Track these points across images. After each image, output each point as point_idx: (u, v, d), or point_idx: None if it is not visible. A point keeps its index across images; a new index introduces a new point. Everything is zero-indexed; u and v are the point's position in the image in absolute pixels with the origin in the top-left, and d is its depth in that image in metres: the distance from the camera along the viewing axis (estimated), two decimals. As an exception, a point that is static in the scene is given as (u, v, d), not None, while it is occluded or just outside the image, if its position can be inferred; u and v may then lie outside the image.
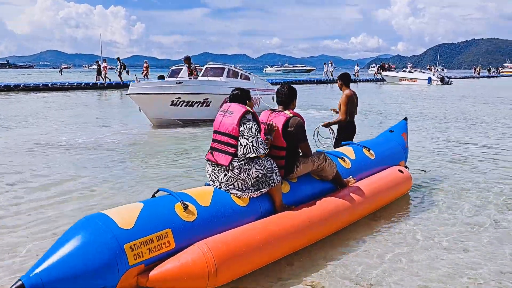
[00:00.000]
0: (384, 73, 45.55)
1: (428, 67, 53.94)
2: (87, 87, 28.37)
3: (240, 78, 14.02)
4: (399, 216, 4.68)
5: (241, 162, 3.52)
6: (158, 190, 3.48)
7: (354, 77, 42.85)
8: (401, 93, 27.28)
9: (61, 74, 56.22)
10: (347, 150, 5.00)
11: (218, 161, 3.62)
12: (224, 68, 13.53)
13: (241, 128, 3.51)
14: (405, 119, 6.21)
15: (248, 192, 3.57)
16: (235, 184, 3.57)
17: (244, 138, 3.49)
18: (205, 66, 13.94)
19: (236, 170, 3.53)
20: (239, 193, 3.55)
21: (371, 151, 5.11)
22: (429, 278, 3.31)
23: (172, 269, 2.81)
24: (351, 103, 5.70)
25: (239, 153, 3.51)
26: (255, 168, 3.56)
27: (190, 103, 11.84)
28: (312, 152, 4.12)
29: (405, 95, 25.90)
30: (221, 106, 3.95)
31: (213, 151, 3.69)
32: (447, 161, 7.34)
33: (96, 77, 29.92)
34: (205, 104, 12.14)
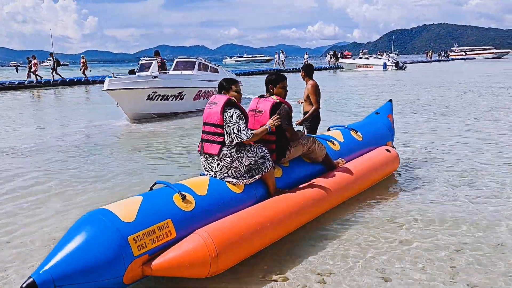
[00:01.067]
0: (342, 60, 47.02)
1: (378, 53, 55.18)
2: (38, 85, 26.96)
3: (210, 71, 14.37)
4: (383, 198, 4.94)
5: (232, 151, 3.64)
6: (155, 183, 3.56)
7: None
8: (360, 80, 27.74)
9: (17, 72, 53.27)
10: (335, 133, 5.16)
11: (208, 151, 3.74)
12: (194, 62, 13.94)
13: (224, 117, 3.63)
14: (390, 100, 6.41)
15: (242, 179, 3.69)
16: (229, 172, 3.68)
17: (228, 125, 3.62)
18: (175, 60, 14.34)
19: (228, 159, 3.64)
20: (234, 180, 3.67)
21: (358, 133, 5.29)
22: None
23: (174, 257, 2.91)
24: (319, 92, 5.88)
25: (227, 141, 3.63)
26: (248, 156, 3.68)
27: (165, 97, 12.10)
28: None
29: (364, 81, 26.34)
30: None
31: (203, 142, 3.81)
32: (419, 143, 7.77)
33: (28, 74, 27.62)
34: (179, 97, 12.46)
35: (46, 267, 2.54)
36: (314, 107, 5.79)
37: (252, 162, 3.72)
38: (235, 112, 3.64)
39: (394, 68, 40.69)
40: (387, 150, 5.33)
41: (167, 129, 10.40)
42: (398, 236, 3.82)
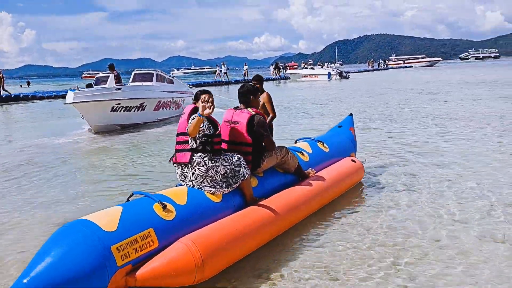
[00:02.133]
0: (289, 71, 48.30)
1: (318, 64, 56.35)
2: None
3: (166, 82, 14.87)
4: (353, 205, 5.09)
5: (206, 159, 3.64)
6: (132, 194, 3.49)
7: (244, 77, 43.74)
8: (307, 90, 28.44)
9: None
10: (303, 145, 5.28)
11: (181, 160, 3.73)
12: (152, 74, 14.51)
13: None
14: (351, 114, 6.65)
15: (220, 189, 3.69)
16: (205, 181, 3.67)
17: None
18: (133, 73, 14.78)
19: (202, 168, 3.64)
20: (212, 189, 3.67)
21: (325, 144, 5.44)
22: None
23: (160, 267, 2.86)
24: (272, 101, 6.01)
25: (190, 143, 3.66)
26: (223, 165, 3.70)
27: (128, 108, 12.36)
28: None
29: (310, 91, 26.99)
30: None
31: (176, 153, 3.82)
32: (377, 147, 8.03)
33: None
34: (141, 108, 12.79)
35: (26, 280, 2.41)
36: (271, 115, 5.91)
37: (228, 171, 3.74)
38: (193, 117, 3.62)
39: (338, 77, 42.07)
40: (353, 161, 5.53)
41: (117, 144, 10.13)
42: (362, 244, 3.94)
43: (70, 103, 11.37)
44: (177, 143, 3.80)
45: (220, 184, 3.71)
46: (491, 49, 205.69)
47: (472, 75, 36.87)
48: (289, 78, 45.19)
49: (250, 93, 4.24)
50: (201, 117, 3.45)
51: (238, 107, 4.26)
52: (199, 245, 3.01)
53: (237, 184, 3.79)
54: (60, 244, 2.64)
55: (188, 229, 3.25)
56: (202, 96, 3.81)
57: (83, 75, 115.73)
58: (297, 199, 4.10)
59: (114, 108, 11.93)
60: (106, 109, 11.75)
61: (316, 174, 4.76)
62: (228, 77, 42.26)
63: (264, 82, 6.23)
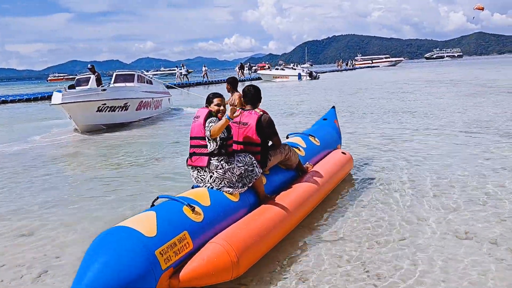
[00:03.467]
0: (260, 71, 49.20)
1: (283, 63, 56.38)
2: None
3: (146, 82, 15.38)
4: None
5: (222, 162, 3.80)
6: (157, 198, 3.59)
7: (204, 78, 43.78)
8: (279, 89, 29.02)
9: None
10: (297, 140, 5.51)
11: (198, 163, 3.87)
12: (134, 75, 14.98)
13: (206, 128, 3.78)
14: (333, 107, 6.96)
15: (237, 189, 3.86)
16: (223, 182, 3.83)
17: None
18: (114, 74, 15.23)
19: (220, 171, 3.80)
20: (230, 189, 3.83)
21: (316, 138, 5.70)
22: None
23: (200, 267, 3.02)
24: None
25: (209, 148, 3.78)
26: (238, 166, 3.87)
27: (112, 108, 12.67)
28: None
29: (282, 91, 27.59)
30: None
31: (191, 156, 3.94)
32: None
33: None
34: (124, 108, 13.12)
35: (82, 286, 2.51)
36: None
37: (243, 171, 3.91)
38: (212, 121, 3.79)
39: (308, 78, 42.75)
40: (343, 153, 5.84)
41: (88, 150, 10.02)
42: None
43: (59, 103, 11.56)
44: (192, 146, 3.91)
45: (236, 184, 3.88)
46: (455, 48, 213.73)
47: (437, 74, 38.61)
48: (259, 79, 45.50)
49: (257, 95, 4.44)
50: (230, 120, 3.59)
51: (244, 108, 4.39)
52: (233, 244, 3.19)
53: (251, 183, 3.98)
54: (107, 251, 2.73)
55: (215, 229, 3.42)
56: (215, 100, 3.96)
57: (49, 78, 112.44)
58: (305, 194, 4.37)
59: (100, 108, 12.26)
60: (92, 109, 12.09)
61: (314, 169, 5.02)
62: (188, 79, 41.90)
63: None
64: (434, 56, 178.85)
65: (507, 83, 22.13)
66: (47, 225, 4.89)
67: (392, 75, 41.57)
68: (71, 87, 13.44)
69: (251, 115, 4.26)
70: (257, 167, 4.02)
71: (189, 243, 3.15)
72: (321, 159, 5.53)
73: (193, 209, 3.35)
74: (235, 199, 3.82)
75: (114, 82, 14.69)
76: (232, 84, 6.18)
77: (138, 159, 8.25)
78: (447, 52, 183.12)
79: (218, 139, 3.77)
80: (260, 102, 4.49)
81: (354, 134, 9.57)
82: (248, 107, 4.43)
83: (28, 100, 29.71)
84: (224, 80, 45.17)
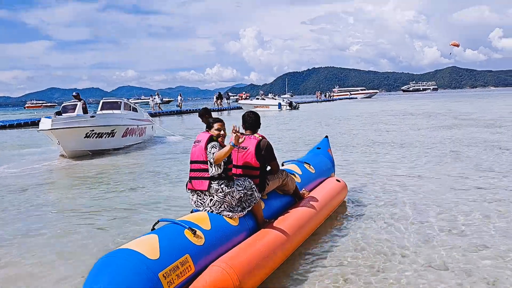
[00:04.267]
0: (241, 101, 50.08)
1: (261, 94, 56.79)
2: None
3: (131, 110, 15.75)
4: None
5: (222, 186, 3.83)
6: (158, 221, 3.58)
7: (178, 107, 44.17)
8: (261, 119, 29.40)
9: None
10: (293, 167, 5.59)
11: (198, 187, 3.89)
12: (120, 102, 15.37)
13: (207, 152, 3.84)
14: (326, 137, 7.12)
15: (236, 213, 3.89)
16: (223, 206, 3.86)
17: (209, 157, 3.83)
18: (101, 101, 15.65)
19: (220, 194, 3.83)
20: (230, 213, 3.86)
21: (311, 166, 5.79)
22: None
23: (202, 291, 2.99)
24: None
25: (211, 172, 3.82)
26: (237, 190, 3.91)
27: (100, 135, 12.85)
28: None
29: (264, 121, 27.67)
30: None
31: (191, 179, 3.96)
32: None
33: None
34: (111, 134, 13.32)
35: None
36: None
37: (242, 195, 3.95)
38: (213, 146, 3.84)
39: (288, 108, 43.34)
40: (337, 180, 5.91)
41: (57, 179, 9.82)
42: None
43: (48, 129, 11.63)
44: (192, 170, 3.94)
45: (236, 208, 3.91)
46: (430, 82, 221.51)
47: (413, 106, 39.65)
48: (240, 108, 45.73)
49: (257, 120, 4.55)
50: (235, 146, 3.66)
51: (243, 133, 4.45)
52: (235, 268, 3.20)
53: (250, 207, 4.02)
54: (111, 273, 2.71)
55: (215, 252, 3.43)
56: (216, 125, 4.04)
57: (26, 105, 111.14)
58: (303, 219, 4.41)
59: (88, 134, 12.46)
60: (80, 135, 12.26)
61: (310, 194, 5.09)
62: (161, 109, 41.89)
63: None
64: (411, 89, 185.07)
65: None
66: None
67: (371, 107, 42.25)
68: (58, 113, 13.49)
69: (251, 139, 4.35)
70: (256, 191, 4.07)
71: (191, 266, 3.15)
72: (316, 186, 5.61)
73: (194, 233, 3.35)
74: (234, 223, 3.84)
75: (101, 109, 15.00)
76: (209, 114, 6.23)
77: (117, 187, 8.15)
78: (423, 85, 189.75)
79: (222, 164, 3.82)
80: (259, 127, 4.59)
81: (342, 162, 9.70)
82: (248, 132, 4.52)
83: (4, 127, 29.06)
84: (198, 109, 45.32)
